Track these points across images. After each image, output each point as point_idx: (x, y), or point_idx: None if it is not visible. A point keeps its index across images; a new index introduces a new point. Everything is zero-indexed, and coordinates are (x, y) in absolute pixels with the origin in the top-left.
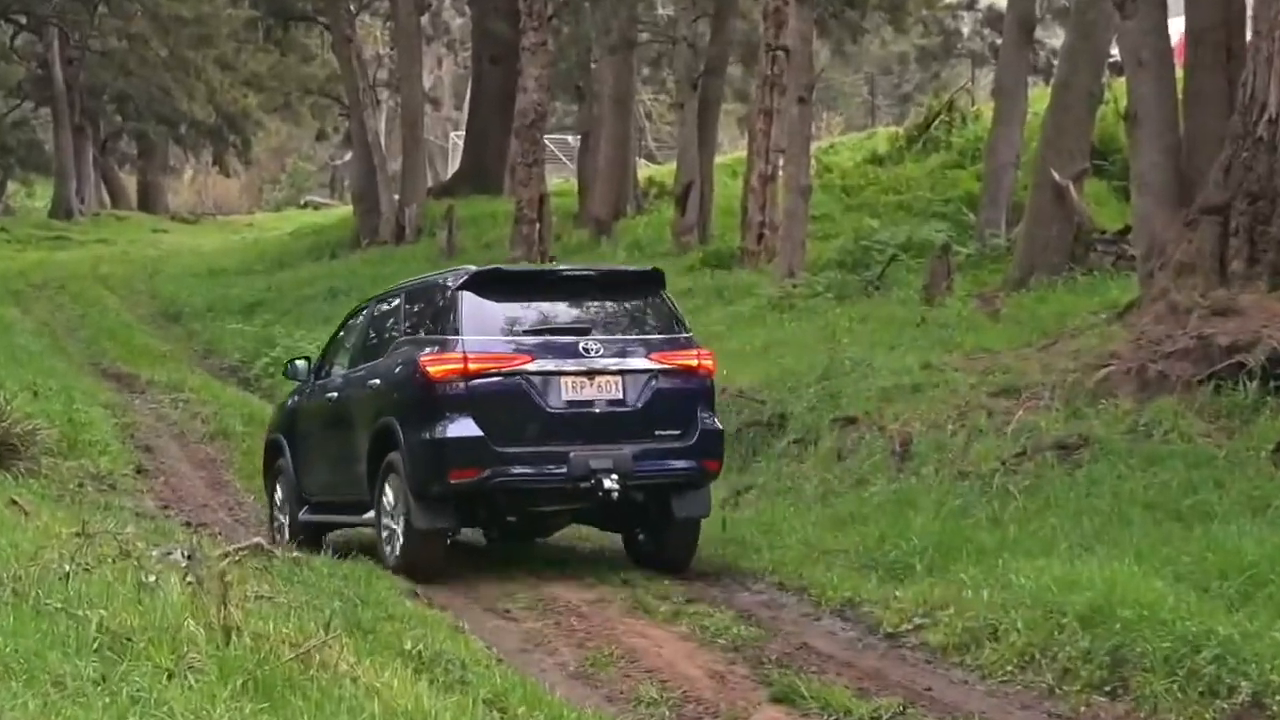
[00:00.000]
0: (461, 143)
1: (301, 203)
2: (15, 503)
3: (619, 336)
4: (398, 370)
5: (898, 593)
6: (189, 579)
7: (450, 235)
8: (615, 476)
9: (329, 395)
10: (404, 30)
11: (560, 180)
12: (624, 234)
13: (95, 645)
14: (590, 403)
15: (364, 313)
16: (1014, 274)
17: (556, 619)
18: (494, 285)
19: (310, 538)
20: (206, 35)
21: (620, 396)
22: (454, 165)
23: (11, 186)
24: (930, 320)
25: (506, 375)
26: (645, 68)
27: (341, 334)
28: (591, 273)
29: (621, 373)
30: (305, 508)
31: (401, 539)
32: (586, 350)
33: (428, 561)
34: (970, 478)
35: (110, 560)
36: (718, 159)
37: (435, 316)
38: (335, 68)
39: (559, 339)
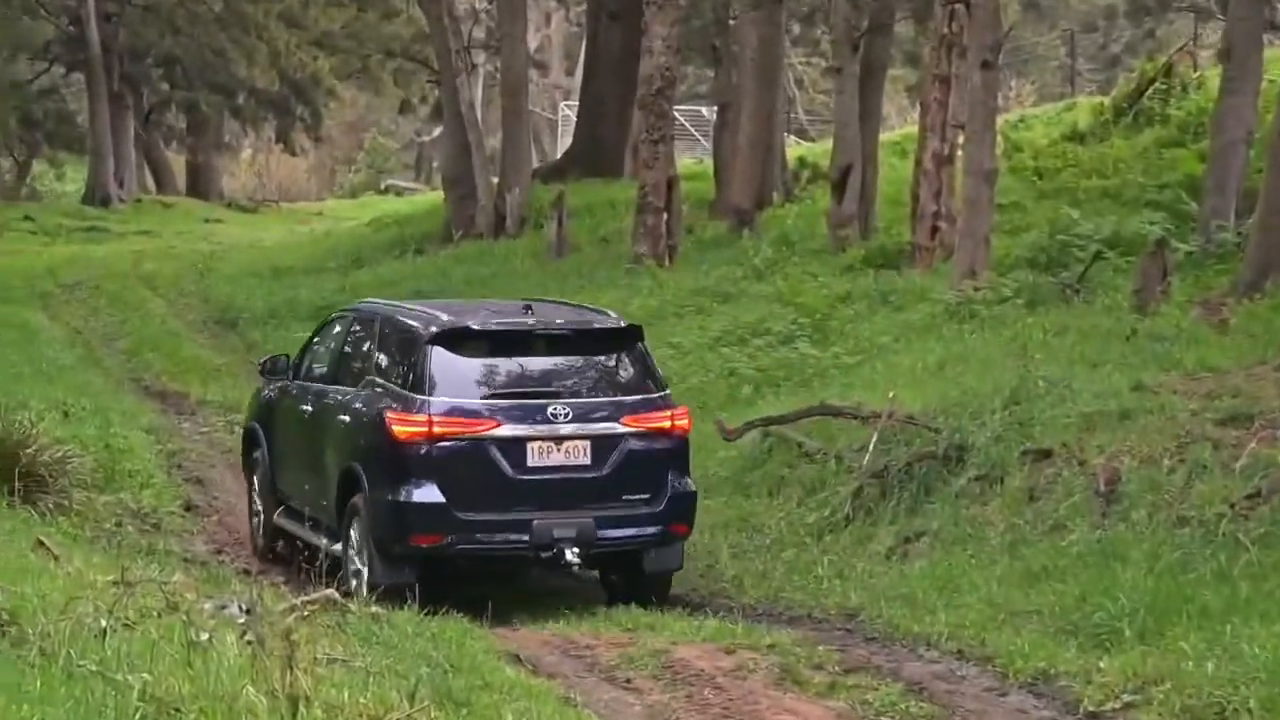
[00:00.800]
0: (574, 115)
1: (382, 187)
2: (42, 544)
3: (590, 399)
4: (365, 418)
5: (1102, 663)
6: (248, 638)
7: (560, 228)
8: (577, 549)
9: (303, 408)
10: None
11: (692, 161)
12: (769, 226)
13: (138, 715)
14: (557, 468)
15: (344, 322)
16: (1245, 275)
17: (688, 690)
18: (466, 339)
19: (285, 541)
20: None
21: (588, 462)
22: (564, 142)
23: (38, 167)
24: (1142, 332)
25: (471, 440)
26: (795, 24)
27: (320, 336)
28: (568, 331)
29: (590, 437)
30: (281, 509)
31: (365, 590)
32: (554, 415)
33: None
34: (1191, 524)
35: (155, 615)
36: (883, 136)
37: (406, 364)
38: (422, 25)
39: (528, 402)
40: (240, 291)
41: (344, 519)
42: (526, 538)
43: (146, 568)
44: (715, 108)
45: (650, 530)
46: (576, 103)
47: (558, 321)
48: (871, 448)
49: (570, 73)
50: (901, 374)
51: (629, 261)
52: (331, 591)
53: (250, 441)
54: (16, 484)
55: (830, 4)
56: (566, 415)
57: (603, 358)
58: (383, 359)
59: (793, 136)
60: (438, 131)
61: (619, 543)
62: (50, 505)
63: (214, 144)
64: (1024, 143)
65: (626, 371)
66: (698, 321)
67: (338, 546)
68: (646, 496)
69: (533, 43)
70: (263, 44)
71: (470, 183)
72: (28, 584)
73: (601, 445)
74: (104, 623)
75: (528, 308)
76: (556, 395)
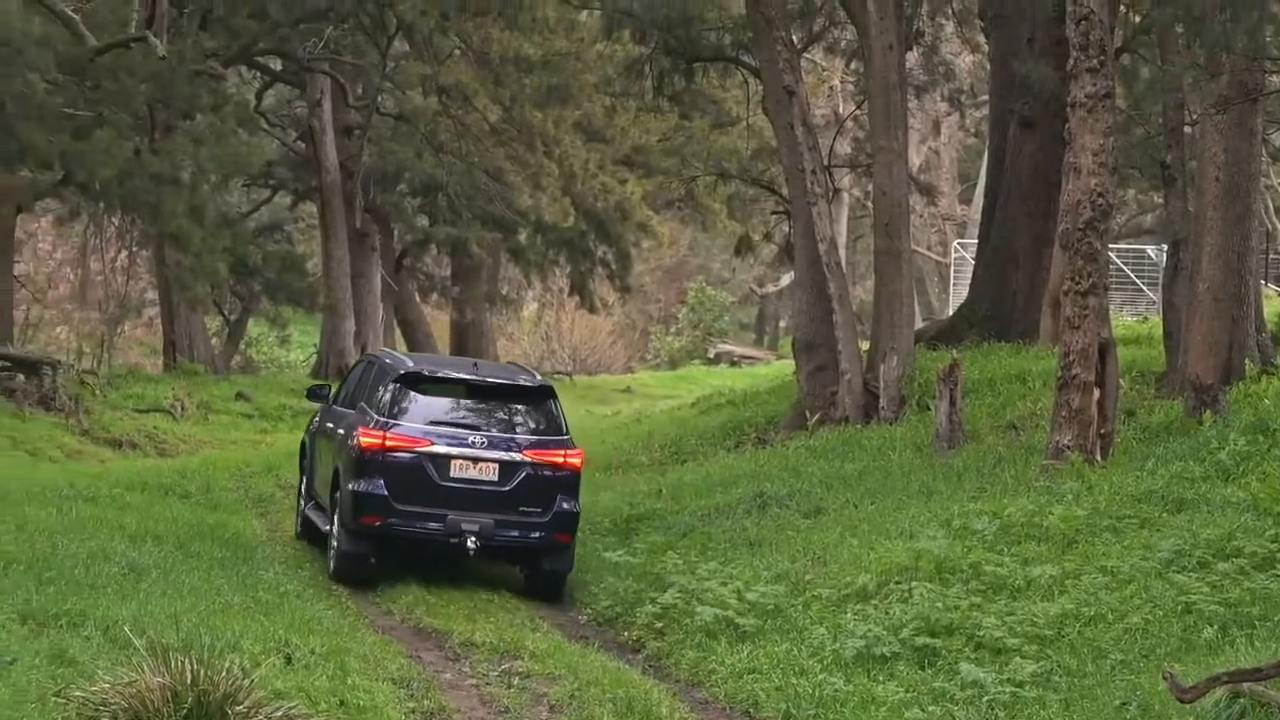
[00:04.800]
0: (971, 257)
1: (710, 355)
2: None
3: (504, 434)
4: (350, 431)
5: None
6: None
7: (952, 409)
8: (475, 539)
9: (328, 425)
10: (879, 76)
11: (1133, 319)
12: (1239, 407)
13: None
14: (472, 480)
15: (363, 364)
16: None
17: None
18: (421, 382)
19: (311, 532)
20: (563, 86)
21: (495, 479)
22: (958, 294)
23: (254, 328)
24: None
25: (412, 452)
26: (1277, 131)
27: (351, 373)
28: (495, 384)
29: (499, 461)
30: (311, 503)
31: (333, 556)
32: (474, 442)
33: (352, 575)
34: None
35: None
36: None
37: (381, 394)
38: (767, 137)
39: (456, 430)
40: None
41: (333, 504)
42: (441, 526)
43: None
44: (1165, 246)
45: (537, 535)
46: (974, 241)
47: (490, 376)
48: None
49: (967, 200)
50: None
51: (1046, 456)
52: None
53: (301, 453)
54: None
55: None
56: (483, 443)
57: (520, 406)
58: (372, 388)
59: (1272, 285)
60: (786, 280)
61: (512, 540)
62: None
63: (487, 297)
64: None
65: (536, 417)
66: (1140, 538)
67: (328, 526)
68: (539, 510)
69: (915, 159)
70: (553, 164)
71: (830, 349)
72: None
73: (507, 468)
74: None
75: (475, 364)
76: (478, 428)
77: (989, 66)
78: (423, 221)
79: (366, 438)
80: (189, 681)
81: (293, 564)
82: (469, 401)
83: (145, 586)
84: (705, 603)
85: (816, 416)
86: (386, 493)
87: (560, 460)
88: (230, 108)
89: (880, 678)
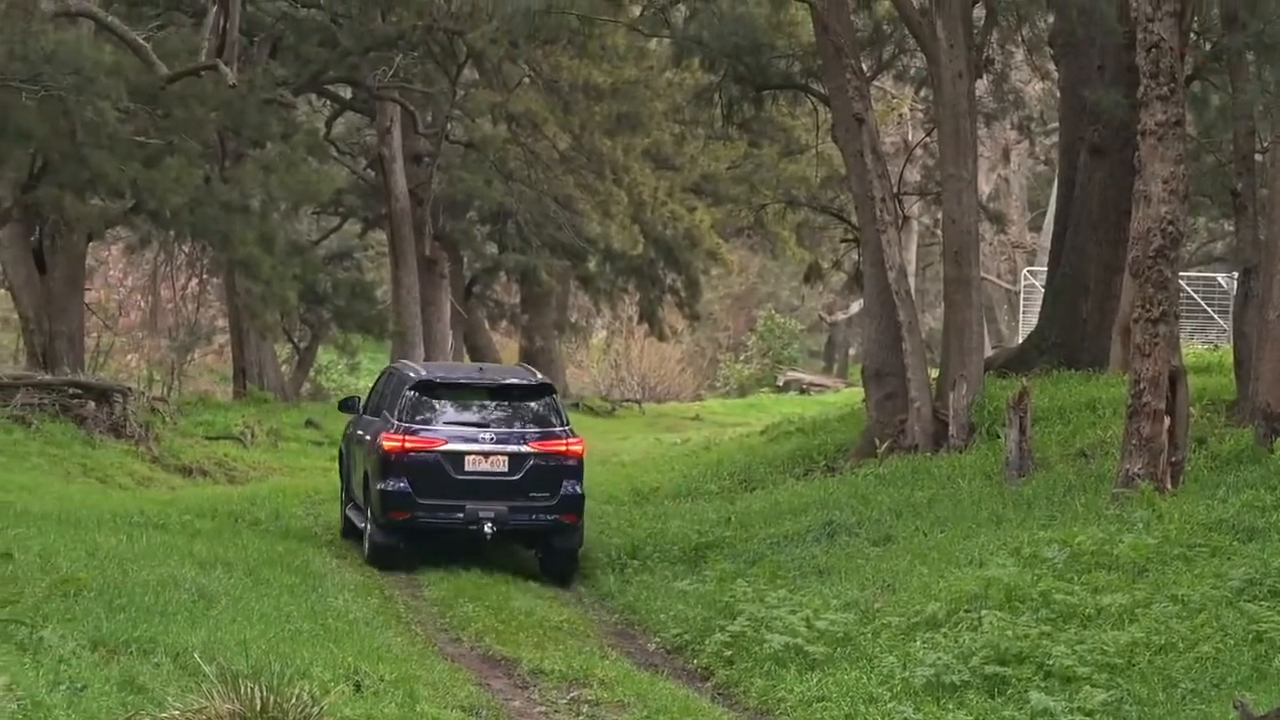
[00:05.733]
0: (1040, 285)
1: (779, 383)
2: None
3: (511, 429)
4: (375, 437)
5: None
6: None
7: (1022, 438)
8: (491, 525)
9: (359, 432)
10: (948, 104)
11: (1204, 348)
12: None
13: None
14: (484, 473)
15: (385, 375)
16: None
17: None
18: (434, 388)
19: (350, 529)
20: (632, 114)
21: (506, 470)
22: (1028, 322)
23: (324, 355)
24: None
25: (429, 452)
26: None
27: (376, 384)
28: (500, 384)
29: (507, 454)
30: (350, 503)
31: (367, 546)
32: (484, 438)
33: (384, 562)
34: None
35: None
36: None
37: (398, 401)
38: (835, 164)
39: (468, 428)
40: (590, 523)
41: (366, 502)
42: (461, 516)
43: None
44: (1235, 274)
45: (547, 517)
46: (1044, 269)
47: (495, 378)
48: None
49: (1036, 227)
50: None
51: (1117, 484)
52: None
53: (339, 459)
54: None
55: None
56: (492, 439)
57: (523, 402)
58: (392, 399)
59: None
60: (855, 307)
61: (525, 524)
62: None
63: (555, 325)
64: None
65: (538, 412)
66: (1211, 567)
67: (363, 523)
68: (546, 495)
69: (985, 187)
70: (622, 191)
71: (899, 377)
72: None
73: (515, 459)
74: None
75: (481, 368)
76: (487, 425)
77: (1059, 94)
78: (492, 249)
79: (389, 442)
80: (258, 708)
81: (362, 591)
82: (477, 402)
83: (215, 613)
84: (774, 630)
85: (886, 444)
86: (411, 490)
87: (563, 449)
88: (300, 136)
89: (950, 706)
